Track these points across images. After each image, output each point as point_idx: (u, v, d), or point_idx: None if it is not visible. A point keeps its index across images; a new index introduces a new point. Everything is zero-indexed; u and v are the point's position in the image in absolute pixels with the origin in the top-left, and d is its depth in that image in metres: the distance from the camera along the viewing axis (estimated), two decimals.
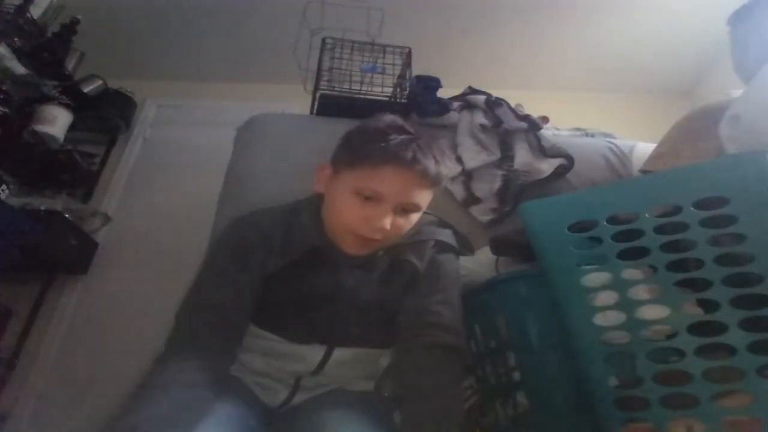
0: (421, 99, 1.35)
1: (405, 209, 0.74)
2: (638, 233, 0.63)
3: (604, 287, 0.66)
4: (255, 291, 0.78)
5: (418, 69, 1.45)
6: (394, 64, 1.46)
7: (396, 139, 0.71)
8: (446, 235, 0.88)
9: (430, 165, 0.72)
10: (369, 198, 0.72)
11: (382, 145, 0.70)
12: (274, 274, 0.78)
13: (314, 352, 0.79)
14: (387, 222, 0.71)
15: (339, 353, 0.80)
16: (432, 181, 0.74)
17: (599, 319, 0.66)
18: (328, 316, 0.80)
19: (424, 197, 0.75)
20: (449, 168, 0.79)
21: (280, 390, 0.81)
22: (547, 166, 1.22)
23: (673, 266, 0.62)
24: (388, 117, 0.77)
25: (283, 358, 0.80)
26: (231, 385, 0.78)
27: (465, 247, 0.92)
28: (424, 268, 0.83)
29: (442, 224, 0.91)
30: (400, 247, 0.82)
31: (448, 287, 0.83)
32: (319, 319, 0.80)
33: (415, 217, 0.77)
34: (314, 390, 0.83)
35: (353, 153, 0.74)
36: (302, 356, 0.79)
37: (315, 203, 0.83)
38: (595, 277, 0.66)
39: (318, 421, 0.75)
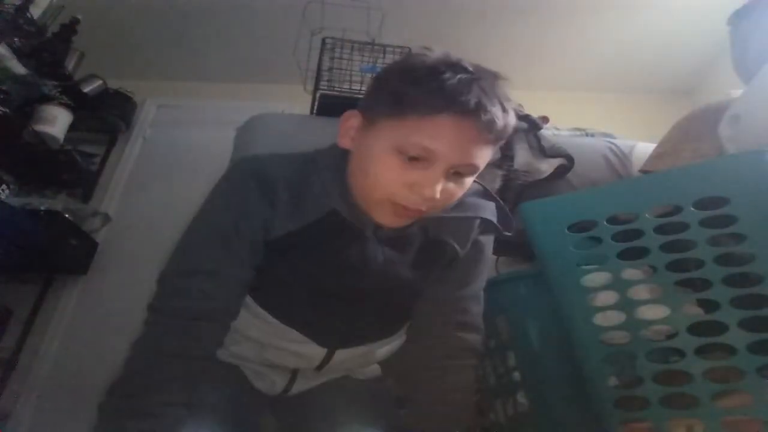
0: None
1: (459, 172, 0.58)
2: (638, 233, 0.63)
3: (604, 287, 0.66)
4: (256, 256, 0.64)
5: None
6: None
7: (453, 78, 0.54)
8: (491, 212, 0.72)
9: (498, 113, 0.55)
10: (415, 158, 0.56)
11: (435, 87, 0.54)
12: (283, 239, 0.64)
13: (313, 353, 0.72)
14: (438, 189, 0.56)
15: (341, 354, 0.73)
16: (498, 135, 0.57)
17: (599, 319, 0.66)
18: (343, 302, 0.70)
19: (484, 156, 0.59)
20: (514, 116, 0.60)
21: (277, 380, 0.75)
22: (547, 166, 1.22)
23: (673, 266, 0.62)
24: (438, 51, 0.59)
25: (278, 353, 0.72)
26: (226, 373, 0.74)
27: (506, 226, 0.74)
28: (465, 252, 0.71)
29: (488, 195, 0.74)
30: (439, 222, 0.67)
31: (481, 276, 0.74)
32: (330, 307, 0.70)
33: (469, 181, 0.61)
34: (315, 380, 0.78)
35: (396, 99, 0.56)
36: (302, 355, 0.72)
37: (337, 159, 0.67)
38: (595, 277, 0.66)
39: (322, 410, 0.74)
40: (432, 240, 0.69)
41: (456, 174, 0.59)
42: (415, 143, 0.55)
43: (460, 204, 0.66)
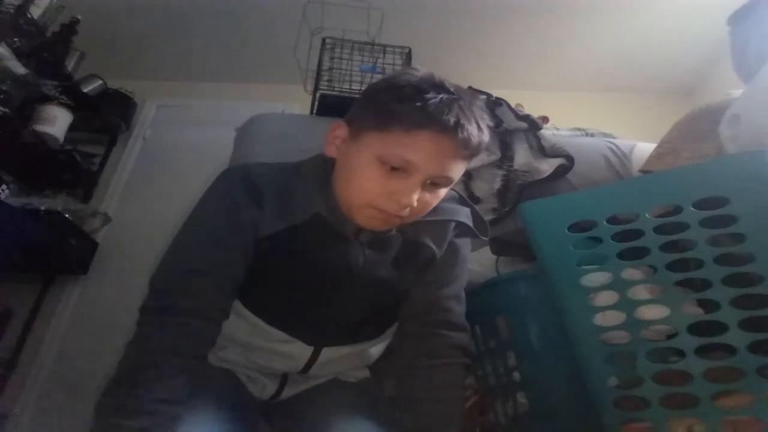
0: None
1: (435, 183, 0.63)
2: (638, 233, 0.63)
3: (604, 287, 0.65)
4: (246, 256, 0.67)
5: None
6: (394, 64, 1.47)
7: (435, 98, 0.59)
8: (466, 216, 0.77)
9: (474, 132, 0.61)
10: (396, 168, 0.60)
11: (419, 105, 0.58)
12: (269, 240, 0.67)
13: (299, 352, 0.73)
14: (414, 198, 0.61)
15: (327, 353, 0.74)
16: (473, 151, 0.63)
17: (599, 319, 0.66)
18: (327, 303, 0.72)
19: (459, 170, 0.64)
20: (489, 135, 0.65)
21: (268, 384, 0.77)
22: (547, 166, 1.22)
23: (673, 266, 0.62)
24: (423, 70, 0.64)
25: (264, 354, 0.74)
26: (220, 377, 0.75)
27: (482, 231, 0.79)
28: (442, 254, 0.75)
29: (462, 201, 0.80)
30: (416, 226, 0.71)
31: (460, 278, 0.78)
32: (315, 308, 0.72)
33: (443, 192, 0.67)
34: (305, 383, 0.79)
35: (381, 113, 0.61)
36: (289, 355, 0.74)
37: (321, 167, 0.71)
38: (595, 277, 0.66)
39: (313, 413, 0.74)
40: (410, 242, 0.73)
41: (432, 185, 0.64)
42: (397, 155, 0.60)
43: (436, 209, 0.70)
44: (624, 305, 0.65)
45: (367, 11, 1.61)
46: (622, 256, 0.64)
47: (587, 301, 0.66)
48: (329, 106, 1.37)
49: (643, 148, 1.25)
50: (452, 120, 0.58)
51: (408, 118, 0.59)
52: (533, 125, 1.31)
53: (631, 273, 0.65)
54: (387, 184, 0.61)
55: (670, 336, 0.63)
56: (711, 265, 0.60)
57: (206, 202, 0.69)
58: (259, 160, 1.11)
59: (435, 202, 0.67)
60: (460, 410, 0.76)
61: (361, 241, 0.71)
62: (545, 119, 1.77)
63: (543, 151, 1.27)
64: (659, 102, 2.45)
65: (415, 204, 0.62)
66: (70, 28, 1.91)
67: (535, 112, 1.42)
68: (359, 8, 1.58)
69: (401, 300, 0.77)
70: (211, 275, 0.64)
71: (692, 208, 0.60)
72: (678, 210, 0.61)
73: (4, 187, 1.67)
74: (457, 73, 1.98)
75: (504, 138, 1.30)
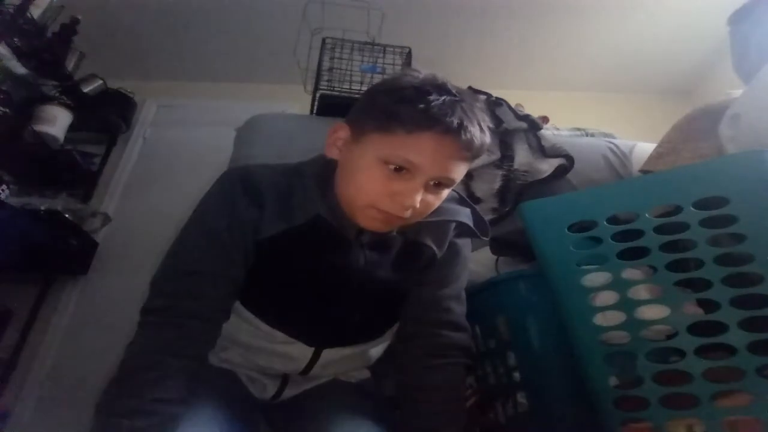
0: None
1: (438, 184, 0.63)
2: (638, 233, 0.63)
3: (604, 287, 0.66)
4: (247, 257, 0.67)
5: None
6: (394, 64, 1.47)
7: (438, 100, 0.59)
8: (467, 216, 0.77)
9: (477, 134, 0.60)
10: (399, 170, 0.60)
11: (422, 106, 0.58)
12: (269, 242, 0.67)
13: (300, 353, 0.74)
14: (417, 199, 0.61)
15: (328, 354, 0.75)
16: (475, 152, 0.63)
17: (599, 319, 0.66)
18: (328, 304, 0.72)
19: (461, 171, 0.64)
20: (490, 136, 0.65)
21: (268, 385, 0.77)
22: (547, 166, 1.22)
23: (673, 266, 0.62)
24: (425, 72, 0.64)
25: (265, 355, 0.75)
26: (220, 377, 0.75)
27: (482, 231, 0.79)
28: (442, 254, 0.76)
29: (463, 202, 0.80)
30: (417, 226, 0.71)
31: (460, 278, 0.78)
32: (316, 309, 0.72)
33: (445, 193, 0.66)
34: (305, 384, 0.80)
35: (384, 114, 0.61)
36: (289, 356, 0.74)
37: (322, 168, 0.71)
38: (595, 277, 0.66)
39: (313, 413, 0.74)
40: (411, 242, 0.73)
41: (435, 186, 0.64)
42: (400, 156, 0.60)
43: (437, 209, 0.70)
44: (624, 305, 0.65)
45: (367, 11, 1.61)
46: (622, 256, 0.64)
47: (587, 301, 0.66)
48: (329, 106, 1.37)
49: (643, 148, 1.25)
50: (455, 122, 0.58)
51: (411, 119, 0.59)
52: (533, 125, 1.31)
53: (631, 273, 0.65)
54: (389, 185, 0.61)
55: (670, 336, 0.64)
56: (711, 265, 0.60)
57: (207, 204, 0.70)
58: (259, 160, 1.12)
59: (437, 203, 0.66)
60: (461, 410, 0.76)
61: (362, 242, 0.71)
62: (545, 119, 1.77)
63: (543, 151, 1.27)
64: (659, 102, 2.45)
65: (418, 205, 0.62)
66: (70, 28, 1.91)
67: (535, 112, 1.41)
68: (359, 8, 1.58)
69: (402, 301, 0.77)
70: (212, 277, 0.64)
71: (692, 208, 0.60)
72: (678, 210, 0.61)
73: (4, 187, 1.67)
74: (457, 73, 1.97)
75: (504, 138, 1.30)
